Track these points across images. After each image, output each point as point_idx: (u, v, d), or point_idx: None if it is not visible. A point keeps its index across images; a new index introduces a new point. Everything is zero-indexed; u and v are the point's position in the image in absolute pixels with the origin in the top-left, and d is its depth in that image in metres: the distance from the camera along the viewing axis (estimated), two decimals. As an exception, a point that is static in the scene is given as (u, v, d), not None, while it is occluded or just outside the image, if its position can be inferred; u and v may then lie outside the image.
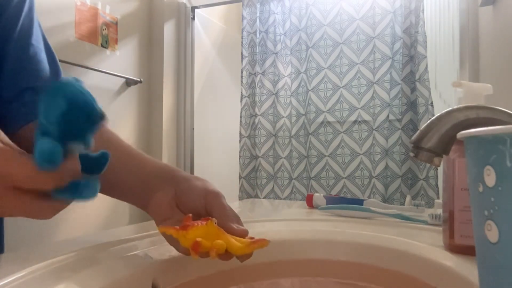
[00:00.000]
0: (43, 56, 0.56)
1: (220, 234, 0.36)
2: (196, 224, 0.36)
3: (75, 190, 0.31)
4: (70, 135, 0.29)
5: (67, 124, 0.29)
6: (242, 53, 2.17)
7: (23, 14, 0.55)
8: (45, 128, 0.29)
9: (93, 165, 0.32)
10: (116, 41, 2.05)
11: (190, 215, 0.38)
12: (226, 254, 0.36)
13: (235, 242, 0.36)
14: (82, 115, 0.29)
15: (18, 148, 0.31)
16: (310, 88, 2.03)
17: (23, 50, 0.54)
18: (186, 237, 0.35)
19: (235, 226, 0.39)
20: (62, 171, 0.30)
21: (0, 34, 0.53)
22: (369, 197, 1.88)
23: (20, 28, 0.54)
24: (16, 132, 0.53)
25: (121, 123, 2.08)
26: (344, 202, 0.74)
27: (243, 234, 0.39)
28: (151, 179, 0.47)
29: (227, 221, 0.40)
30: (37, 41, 0.56)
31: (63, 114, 0.28)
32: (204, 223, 0.36)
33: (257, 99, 2.12)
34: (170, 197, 0.44)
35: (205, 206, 0.42)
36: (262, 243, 0.37)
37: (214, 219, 0.37)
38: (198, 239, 0.34)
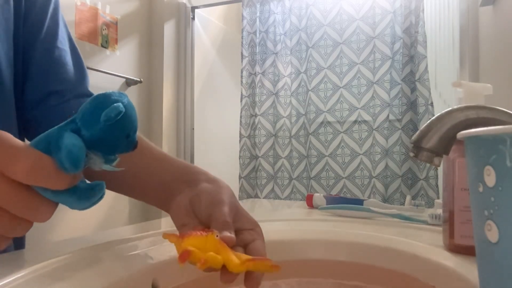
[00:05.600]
0: (68, 59, 0.55)
1: (221, 249, 0.34)
2: (195, 234, 0.34)
3: (76, 194, 0.27)
4: (103, 145, 0.27)
5: (111, 133, 0.27)
6: (242, 53, 2.17)
7: (48, 16, 0.55)
8: (77, 127, 0.27)
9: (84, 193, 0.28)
10: (116, 41, 2.05)
11: (200, 227, 0.37)
12: (226, 274, 0.33)
13: (234, 259, 0.33)
14: (122, 133, 0.27)
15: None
16: (310, 88, 2.03)
17: (48, 53, 0.54)
18: (180, 246, 0.33)
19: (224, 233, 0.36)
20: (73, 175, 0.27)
21: (26, 38, 0.53)
22: (369, 197, 1.88)
23: (46, 31, 0.54)
24: None
25: (121, 123, 2.09)
26: (344, 202, 0.74)
27: (228, 240, 0.35)
28: (173, 181, 0.45)
29: (215, 228, 0.36)
30: (62, 43, 0.55)
31: (117, 121, 0.26)
32: (204, 234, 0.34)
33: (257, 99, 2.12)
34: (187, 202, 0.42)
35: (208, 213, 0.39)
36: (263, 262, 0.34)
37: (216, 231, 0.35)
38: (190, 248, 0.32)
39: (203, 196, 0.41)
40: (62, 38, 0.56)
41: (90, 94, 0.57)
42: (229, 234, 0.36)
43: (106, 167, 0.28)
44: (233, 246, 0.35)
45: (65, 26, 0.58)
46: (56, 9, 0.56)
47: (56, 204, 0.28)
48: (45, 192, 0.27)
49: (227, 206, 0.39)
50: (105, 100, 0.27)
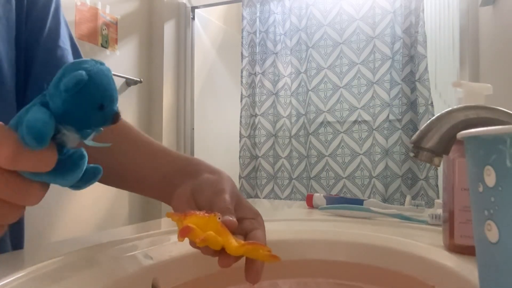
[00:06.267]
0: (70, 59, 0.55)
1: (221, 231, 0.33)
2: (198, 213, 0.34)
3: (54, 170, 0.25)
4: (71, 119, 0.24)
5: (76, 105, 0.24)
6: (242, 53, 2.17)
7: (50, 15, 0.54)
8: (46, 100, 0.24)
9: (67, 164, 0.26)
10: (116, 41, 2.05)
11: (204, 211, 0.37)
12: (224, 258, 0.33)
13: (233, 241, 0.33)
14: (90, 104, 0.24)
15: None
16: (310, 88, 2.03)
17: (51, 53, 0.54)
18: (182, 223, 0.33)
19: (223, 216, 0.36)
20: (42, 154, 0.24)
21: (28, 38, 0.52)
22: (369, 197, 1.88)
23: (48, 30, 0.54)
24: None
25: (121, 123, 2.09)
26: (344, 202, 0.74)
27: (229, 224, 0.35)
28: (174, 173, 0.46)
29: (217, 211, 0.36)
30: (64, 42, 0.55)
31: (79, 91, 0.23)
32: (207, 215, 0.34)
33: (257, 99, 2.12)
34: (189, 193, 0.42)
35: (210, 202, 0.40)
36: (262, 248, 0.34)
37: (218, 214, 0.35)
38: (191, 225, 0.32)
39: (205, 186, 0.42)
40: (64, 38, 0.56)
41: None
42: (230, 218, 0.36)
43: (90, 143, 0.26)
44: (233, 233, 0.35)
45: (66, 25, 0.58)
46: (57, 8, 0.56)
47: (47, 186, 0.26)
48: (24, 172, 0.25)
49: (228, 195, 0.40)
50: (70, 69, 0.24)
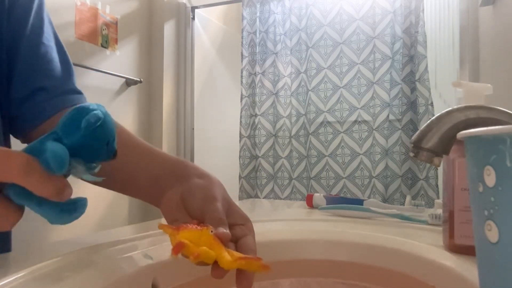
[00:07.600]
0: (54, 55, 0.55)
1: (214, 245, 0.34)
2: (190, 227, 0.35)
3: (59, 207, 0.29)
4: (85, 152, 0.29)
5: (92, 140, 0.29)
6: (242, 53, 2.17)
7: (33, 13, 0.54)
8: (58, 137, 0.29)
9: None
10: (116, 41, 2.05)
11: (195, 221, 0.37)
12: (217, 270, 0.33)
13: (226, 255, 0.34)
14: (102, 140, 0.30)
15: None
16: (310, 88, 2.03)
17: (34, 49, 0.53)
18: (175, 237, 0.34)
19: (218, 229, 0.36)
20: (55, 179, 0.28)
21: (11, 35, 0.52)
22: (369, 197, 1.88)
23: (31, 27, 0.53)
24: (27, 134, 0.53)
25: (121, 123, 2.07)
26: (344, 202, 0.74)
27: (222, 237, 0.35)
28: (163, 176, 0.45)
29: (209, 224, 0.36)
30: (48, 39, 0.55)
31: (96, 128, 0.28)
32: (199, 228, 0.34)
33: (257, 99, 2.12)
34: (178, 197, 0.42)
35: (201, 210, 0.39)
36: (255, 262, 0.34)
37: (211, 227, 0.35)
38: (185, 241, 0.32)
39: (195, 192, 0.41)
40: (47, 35, 0.55)
41: (78, 91, 0.56)
42: (224, 231, 0.36)
43: (88, 177, 0.30)
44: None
45: (50, 23, 0.57)
46: (40, 5, 0.56)
47: (22, 213, 0.29)
48: (29, 202, 0.28)
49: (220, 202, 0.39)
50: (84, 109, 0.29)
